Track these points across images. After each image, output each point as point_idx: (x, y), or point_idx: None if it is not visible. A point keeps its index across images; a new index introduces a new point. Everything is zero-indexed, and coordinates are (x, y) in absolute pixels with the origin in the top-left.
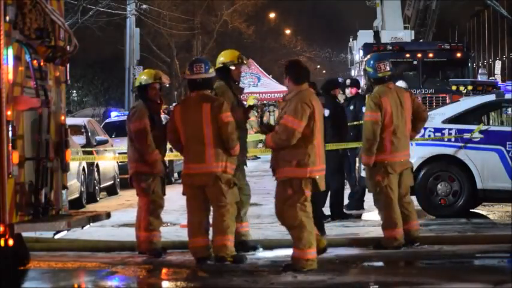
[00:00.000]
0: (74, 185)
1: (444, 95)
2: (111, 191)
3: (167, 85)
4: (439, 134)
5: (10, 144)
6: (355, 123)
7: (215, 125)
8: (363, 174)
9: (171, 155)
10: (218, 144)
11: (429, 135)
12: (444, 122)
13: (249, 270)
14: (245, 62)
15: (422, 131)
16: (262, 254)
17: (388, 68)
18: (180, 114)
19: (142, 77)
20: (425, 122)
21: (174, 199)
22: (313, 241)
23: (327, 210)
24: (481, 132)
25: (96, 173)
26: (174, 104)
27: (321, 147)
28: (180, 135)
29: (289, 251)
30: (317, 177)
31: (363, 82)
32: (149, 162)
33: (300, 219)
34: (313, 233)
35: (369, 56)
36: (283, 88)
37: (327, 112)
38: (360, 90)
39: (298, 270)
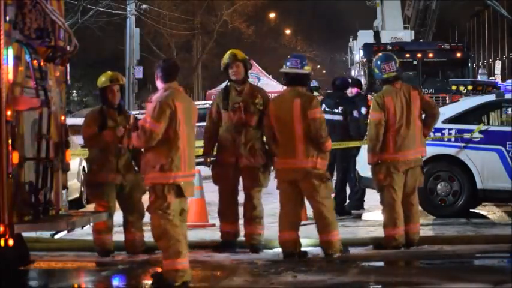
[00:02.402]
0: (74, 185)
1: (444, 95)
2: None
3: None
4: (439, 134)
5: (10, 144)
6: None
7: (305, 120)
8: (362, 174)
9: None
10: (308, 140)
11: (429, 135)
12: (444, 122)
13: (249, 270)
14: (230, 60)
15: None
16: (262, 254)
17: (393, 69)
18: (274, 109)
19: (101, 79)
20: (437, 118)
21: None
22: (182, 250)
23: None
24: (481, 132)
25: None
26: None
27: (188, 150)
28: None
29: None
30: (182, 183)
31: (363, 82)
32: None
33: (163, 228)
34: (182, 241)
35: (377, 56)
36: (284, 88)
37: (364, 110)
38: (360, 90)
39: (170, 284)
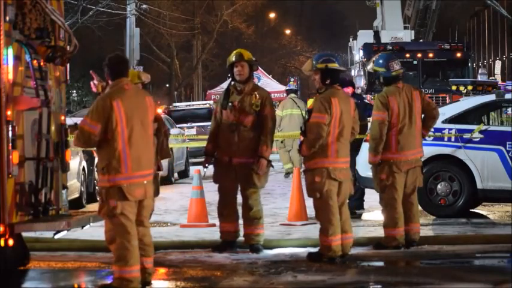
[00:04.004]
0: (74, 185)
1: (444, 95)
2: None
3: (146, 82)
4: (439, 134)
5: (10, 144)
6: None
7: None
8: (362, 174)
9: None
10: None
11: (428, 135)
12: (444, 122)
13: (249, 270)
14: (235, 58)
15: None
16: (262, 254)
17: (399, 67)
18: (339, 108)
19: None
20: (436, 119)
21: (174, 199)
22: (129, 258)
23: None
24: (481, 132)
25: (96, 173)
26: (174, 105)
27: (135, 151)
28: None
29: (289, 251)
30: (124, 185)
31: (362, 82)
32: None
33: (113, 233)
34: (131, 249)
35: (376, 56)
36: (284, 88)
37: None
38: (355, 90)
39: None
